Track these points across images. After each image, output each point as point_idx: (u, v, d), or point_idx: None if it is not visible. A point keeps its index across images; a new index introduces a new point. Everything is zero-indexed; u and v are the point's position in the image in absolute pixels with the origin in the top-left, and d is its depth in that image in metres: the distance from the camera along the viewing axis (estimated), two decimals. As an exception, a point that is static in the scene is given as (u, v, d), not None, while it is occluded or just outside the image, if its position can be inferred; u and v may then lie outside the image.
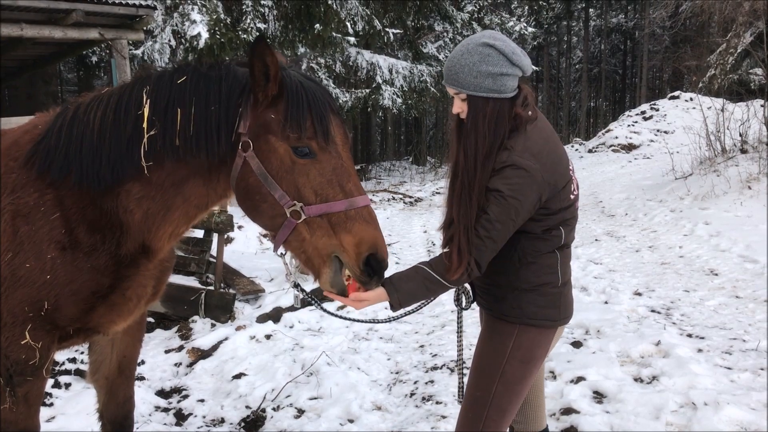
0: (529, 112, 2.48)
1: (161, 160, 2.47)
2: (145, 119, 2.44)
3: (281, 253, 2.51)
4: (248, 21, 14.41)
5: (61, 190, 2.55)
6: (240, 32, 14.04)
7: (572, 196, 2.56)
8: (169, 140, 2.43)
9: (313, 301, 2.74)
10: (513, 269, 2.55)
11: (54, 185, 2.55)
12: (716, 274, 7.55)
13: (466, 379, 2.82)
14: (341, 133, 2.43)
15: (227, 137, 2.40)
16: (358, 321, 2.97)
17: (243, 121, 2.39)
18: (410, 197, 18.36)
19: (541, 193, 2.40)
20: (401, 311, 2.55)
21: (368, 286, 2.40)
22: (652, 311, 6.34)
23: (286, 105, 2.33)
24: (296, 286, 2.68)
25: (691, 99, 25.30)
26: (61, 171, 2.54)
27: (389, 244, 11.19)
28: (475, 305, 2.84)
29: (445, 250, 2.52)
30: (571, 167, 2.59)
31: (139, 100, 2.48)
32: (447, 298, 7.19)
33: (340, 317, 2.86)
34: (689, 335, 5.58)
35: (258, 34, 14.29)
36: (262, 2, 14.88)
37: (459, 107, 2.51)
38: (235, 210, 11.03)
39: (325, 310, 2.74)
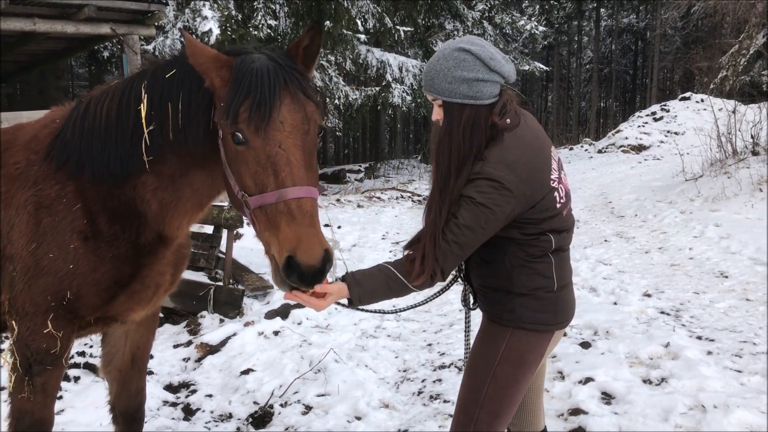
0: (508, 120, 2.39)
1: (163, 154, 2.52)
2: (143, 115, 2.48)
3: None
4: (259, 17, 14.43)
5: (81, 181, 2.61)
6: (251, 29, 14.07)
7: (558, 205, 2.48)
8: (165, 134, 2.48)
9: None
10: (505, 273, 2.50)
11: (74, 177, 2.61)
12: (726, 277, 7.52)
13: None
14: (294, 117, 2.25)
15: (206, 127, 2.41)
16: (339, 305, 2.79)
17: (215, 109, 2.38)
18: (419, 195, 18.34)
19: (515, 205, 2.33)
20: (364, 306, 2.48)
21: (301, 288, 2.24)
22: (662, 313, 6.32)
23: (227, 91, 2.26)
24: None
25: (702, 100, 25.19)
26: (77, 164, 2.60)
27: (397, 242, 11.18)
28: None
29: (407, 252, 2.48)
30: (555, 175, 2.48)
31: (138, 95, 2.52)
32: (455, 296, 7.18)
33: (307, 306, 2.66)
34: (699, 337, 5.55)
35: (268, 31, 14.36)
36: (273, -1, 14.91)
37: (437, 113, 2.45)
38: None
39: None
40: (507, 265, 2.49)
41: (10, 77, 14.68)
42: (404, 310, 2.81)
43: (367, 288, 2.40)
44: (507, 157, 2.33)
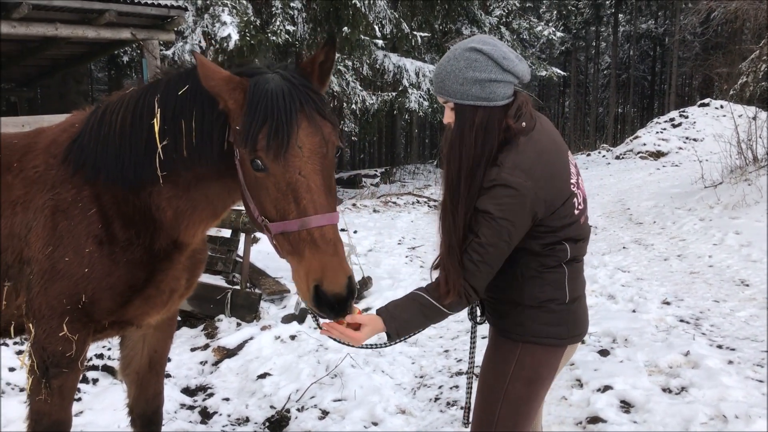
0: (523, 123, 2.28)
1: (176, 168, 2.51)
2: (157, 130, 2.48)
3: None
4: (277, 23, 14.52)
5: (97, 186, 2.63)
6: (269, 34, 14.16)
7: (576, 211, 2.38)
8: (179, 151, 2.47)
9: (312, 315, 2.48)
10: (516, 284, 2.40)
11: (90, 182, 2.63)
12: (747, 285, 7.42)
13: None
14: (312, 141, 2.21)
15: (218, 148, 2.40)
16: (364, 347, 2.69)
17: (230, 130, 2.35)
18: (435, 201, 18.31)
19: (535, 212, 2.24)
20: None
21: (330, 318, 2.22)
22: (681, 321, 6.25)
23: (242, 116, 2.22)
24: (305, 308, 2.53)
25: (722, 106, 24.99)
26: (93, 169, 2.62)
27: (413, 248, 11.18)
28: (465, 338, 2.72)
29: (436, 274, 2.40)
30: (573, 180, 2.40)
31: (151, 107, 2.51)
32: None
33: (338, 341, 2.54)
34: (719, 346, 5.48)
35: (286, 36, 14.43)
36: (292, 5, 14.97)
37: (449, 116, 2.34)
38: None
39: (320, 328, 2.40)
40: (518, 276, 2.38)
41: (32, 81, 14.88)
42: (389, 345, 2.57)
43: (403, 320, 2.32)
44: (523, 162, 2.23)
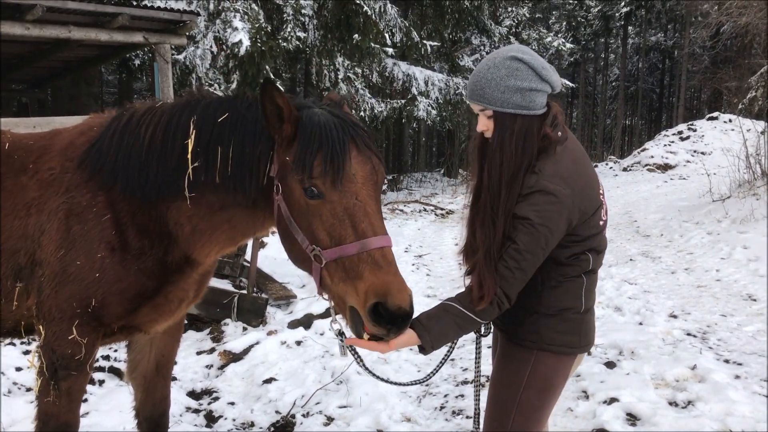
0: (559, 133, 2.34)
1: (203, 192, 2.53)
2: (190, 151, 2.49)
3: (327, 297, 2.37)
4: (288, 29, 14.58)
5: (112, 193, 2.62)
6: (280, 40, 14.21)
7: (601, 222, 2.44)
8: (211, 176, 2.48)
9: (354, 357, 2.51)
10: (535, 292, 2.41)
11: (105, 188, 2.63)
12: (755, 300, 7.40)
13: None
14: (364, 169, 2.29)
15: (257, 181, 2.42)
16: (397, 384, 2.82)
17: (273, 164, 2.38)
18: (441, 209, 18.32)
19: (570, 219, 2.28)
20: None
21: (388, 337, 2.19)
22: (688, 334, 6.23)
23: (297, 145, 2.27)
24: (340, 334, 2.43)
25: (730, 120, 24.95)
26: (111, 176, 2.62)
27: (420, 255, 11.17)
28: (471, 347, 2.69)
29: (468, 281, 2.41)
30: (601, 191, 2.46)
31: (186, 128, 2.52)
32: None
33: (385, 380, 2.68)
34: (726, 361, 5.46)
35: (297, 42, 14.46)
36: (303, 11, 15.03)
37: (484, 125, 2.37)
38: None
39: (367, 369, 2.54)
40: (537, 284, 2.40)
41: (43, 83, 14.96)
42: (428, 378, 2.64)
43: (437, 332, 2.29)
44: (562, 171, 2.27)
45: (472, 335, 2.60)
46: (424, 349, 2.31)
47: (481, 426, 2.67)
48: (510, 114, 2.30)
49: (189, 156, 2.48)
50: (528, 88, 2.27)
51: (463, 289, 2.43)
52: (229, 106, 2.50)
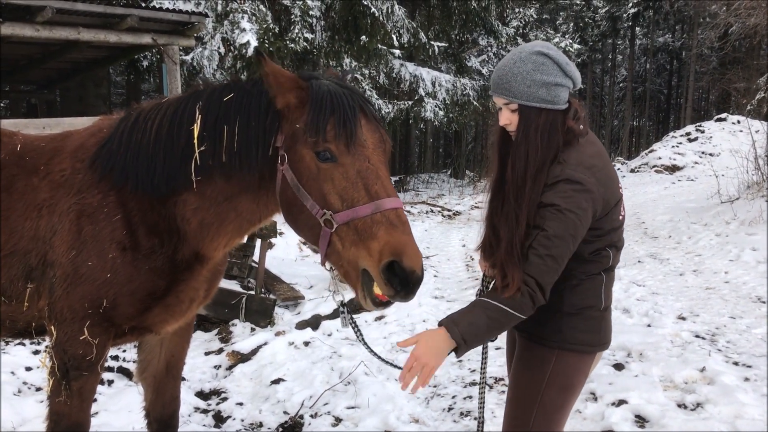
0: (581, 126, 2.40)
1: (211, 176, 2.54)
2: (196, 135, 2.51)
3: (329, 268, 2.40)
4: (296, 31, 14.60)
5: (123, 192, 2.64)
6: (288, 41, 14.24)
7: (620, 217, 2.48)
8: (218, 156, 2.49)
9: (355, 330, 2.57)
10: (557, 291, 2.40)
11: (116, 188, 2.64)
12: (764, 302, 7.36)
13: (484, 410, 2.75)
14: (374, 137, 2.35)
15: (264, 151, 2.43)
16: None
17: (278, 134, 2.41)
18: (449, 210, 18.31)
19: (595, 209, 2.31)
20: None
21: (395, 299, 2.17)
22: (697, 336, 6.20)
23: (308, 111, 2.32)
24: (343, 305, 2.49)
25: (739, 122, 24.83)
26: (121, 175, 2.63)
27: (427, 257, 11.16)
28: (479, 349, 2.62)
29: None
30: (620, 185, 2.50)
31: (192, 114, 2.55)
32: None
33: (387, 362, 2.69)
34: (735, 363, 5.44)
35: (305, 44, 14.50)
36: (311, 13, 15.06)
37: (507, 119, 2.40)
38: (278, 217, 11.13)
39: (368, 346, 2.58)
40: (559, 283, 2.39)
41: (52, 84, 15.03)
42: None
43: (466, 323, 2.24)
44: (586, 161, 2.32)
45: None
46: (457, 349, 2.25)
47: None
48: (535, 108, 2.34)
49: (195, 141, 2.51)
50: (553, 83, 2.32)
51: (471, 291, 2.43)
52: (235, 87, 2.54)
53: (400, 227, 2.18)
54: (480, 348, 2.68)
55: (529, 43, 2.42)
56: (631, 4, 43.26)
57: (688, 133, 26.23)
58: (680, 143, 25.41)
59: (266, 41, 13.43)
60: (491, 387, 5.13)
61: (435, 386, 5.27)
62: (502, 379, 5.18)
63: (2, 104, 20.91)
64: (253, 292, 7.00)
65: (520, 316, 2.27)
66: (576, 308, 2.45)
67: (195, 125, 2.51)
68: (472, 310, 2.29)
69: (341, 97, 2.32)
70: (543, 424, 2.49)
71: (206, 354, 6.12)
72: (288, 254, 10.24)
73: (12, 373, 5.08)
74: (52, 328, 2.69)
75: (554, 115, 2.35)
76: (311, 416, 4.73)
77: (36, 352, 5.55)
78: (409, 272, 2.11)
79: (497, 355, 5.69)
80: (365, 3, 15.29)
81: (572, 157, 2.32)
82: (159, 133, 2.59)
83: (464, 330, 2.23)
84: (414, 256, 2.13)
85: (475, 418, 4.59)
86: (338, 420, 4.67)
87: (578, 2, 44.60)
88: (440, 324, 2.28)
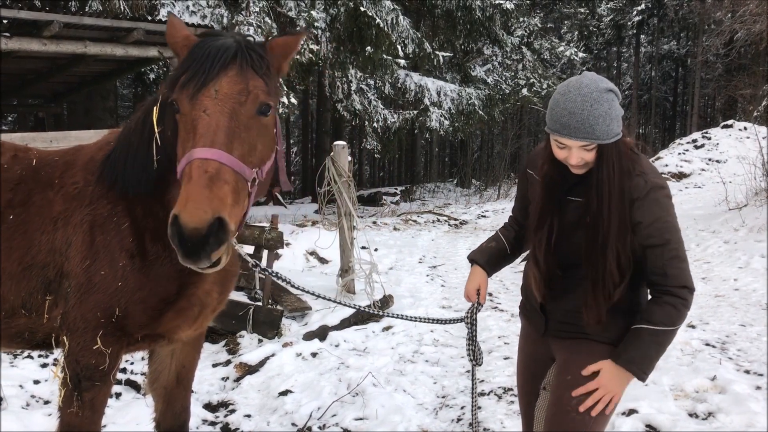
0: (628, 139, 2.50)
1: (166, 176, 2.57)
2: (155, 121, 2.55)
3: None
4: (302, 42, 14.65)
5: (129, 201, 2.69)
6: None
7: None
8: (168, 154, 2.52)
9: (272, 274, 2.86)
10: (628, 293, 2.52)
11: (123, 197, 2.69)
12: (774, 309, 7.31)
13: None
14: (231, 88, 2.21)
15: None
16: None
17: None
18: (455, 219, 18.29)
19: None
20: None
21: (183, 262, 2.05)
22: (707, 345, 6.16)
23: (177, 66, 2.32)
24: (255, 266, 2.76)
25: (746, 128, 24.71)
26: (124, 183, 2.68)
27: (434, 266, 11.15)
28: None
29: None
30: None
31: (150, 109, 2.60)
32: (493, 323, 7.12)
33: (311, 292, 2.97)
34: (747, 371, 5.40)
35: (310, 55, 14.55)
36: (316, 24, 15.13)
37: (580, 158, 2.36)
38: (284, 227, 11.13)
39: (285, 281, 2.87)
40: (631, 284, 2.51)
41: (59, 97, 15.13)
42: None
43: (639, 357, 2.40)
44: (651, 165, 2.47)
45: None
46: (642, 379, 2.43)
47: None
48: (613, 143, 2.37)
49: (155, 126, 2.53)
50: (622, 116, 2.38)
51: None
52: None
53: (195, 178, 2.03)
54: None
55: (586, 78, 2.36)
56: (635, 12, 43.30)
57: (694, 140, 26.12)
58: (687, 150, 25.30)
59: (272, 53, 13.49)
60: (500, 397, 5.10)
61: (444, 397, 5.25)
62: (511, 389, 5.15)
63: (10, 118, 21.05)
64: (260, 303, 6.99)
65: (677, 327, 2.46)
66: (637, 307, 2.58)
67: (153, 115, 2.55)
68: (635, 342, 2.42)
69: (215, 50, 2.23)
70: (598, 422, 2.52)
71: (214, 366, 6.11)
72: (295, 265, 10.24)
73: (20, 386, 5.08)
74: (65, 338, 2.71)
75: (623, 141, 2.43)
76: (319, 428, 4.72)
77: (44, 365, 5.55)
78: (184, 226, 1.95)
79: (505, 366, 5.66)
80: (370, 14, 15.36)
81: (645, 166, 2.43)
82: (142, 136, 2.64)
83: (638, 365, 2.41)
84: (193, 208, 1.95)
85: (486, 429, 4.57)
86: None
87: (582, 11, 44.67)
88: (613, 360, 2.43)
